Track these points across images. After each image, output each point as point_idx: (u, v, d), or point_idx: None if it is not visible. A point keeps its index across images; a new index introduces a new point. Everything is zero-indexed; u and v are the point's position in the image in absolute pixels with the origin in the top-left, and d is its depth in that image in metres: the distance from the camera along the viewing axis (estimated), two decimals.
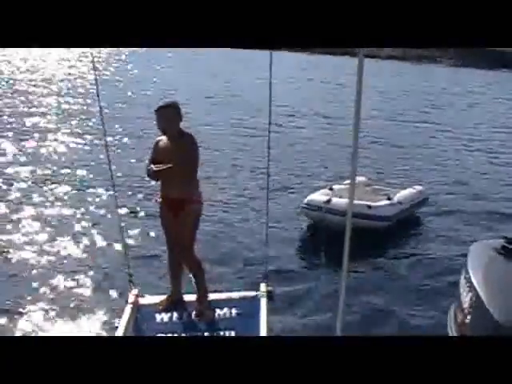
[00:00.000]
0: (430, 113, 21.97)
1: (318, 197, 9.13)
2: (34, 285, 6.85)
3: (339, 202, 8.70)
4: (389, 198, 9.46)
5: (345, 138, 13.83)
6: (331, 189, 9.54)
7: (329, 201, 8.78)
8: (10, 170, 11.36)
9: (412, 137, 17.50)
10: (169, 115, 4.76)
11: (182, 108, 4.83)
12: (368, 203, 9.03)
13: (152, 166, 4.70)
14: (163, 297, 5.23)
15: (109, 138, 13.69)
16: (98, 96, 5.41)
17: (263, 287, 5.28)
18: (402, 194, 9.84)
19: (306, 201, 9.11)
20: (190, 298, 5.27)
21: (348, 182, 10.05)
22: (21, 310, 6.28)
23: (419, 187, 10.48)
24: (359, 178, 10.44)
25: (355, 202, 8.69)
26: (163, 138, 4.89)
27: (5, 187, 10.34)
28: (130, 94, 21.42)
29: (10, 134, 14.39)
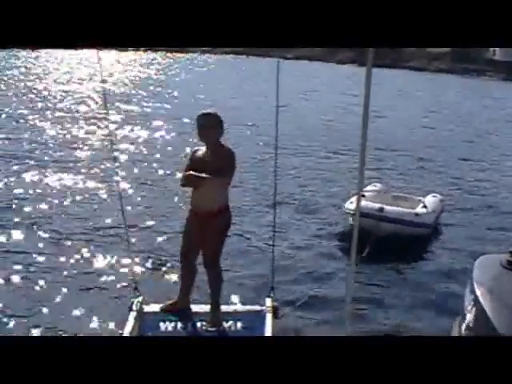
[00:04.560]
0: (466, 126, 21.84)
1: (364, 204, 9.18)
2: (39, 289, 6.87)
3: (392, 210, 9.23)
4: (424, 206, 9.71)
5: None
6: (363, 195, 9.64)
7: (381, 209, 9.10)
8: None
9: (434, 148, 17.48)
10: (210, 123, 4.77)
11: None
12: (415, 211, 9.41)
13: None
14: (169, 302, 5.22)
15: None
16: (105, 107, 5.49)
17: (269, 302, 5.25)
18: (431, 202, 10.08)
19: (353, 208, 9.12)
20: (196, 308, 5.25)
21: (372, 188, 10.45)
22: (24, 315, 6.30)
23: (438, 195, 10.65)
24: (377, 185, 10.62)
25: (403, 209, 9.36)
26: (202, 148, 4.90)
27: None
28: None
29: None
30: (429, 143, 18.05)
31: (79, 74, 28.50)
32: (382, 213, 9.04)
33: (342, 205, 9.68)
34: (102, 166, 12.10)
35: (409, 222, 9.13)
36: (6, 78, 25.52)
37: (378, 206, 9.18)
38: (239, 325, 5.00)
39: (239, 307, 5.34)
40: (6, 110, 18.27)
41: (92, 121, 17.18)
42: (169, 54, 42.35)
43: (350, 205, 9.18)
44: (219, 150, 4.77)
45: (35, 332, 5.89)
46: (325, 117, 21.14)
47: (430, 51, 43.98)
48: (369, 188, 10.45)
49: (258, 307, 5.25)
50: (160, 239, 8.42)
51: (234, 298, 6.59)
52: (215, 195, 4.75)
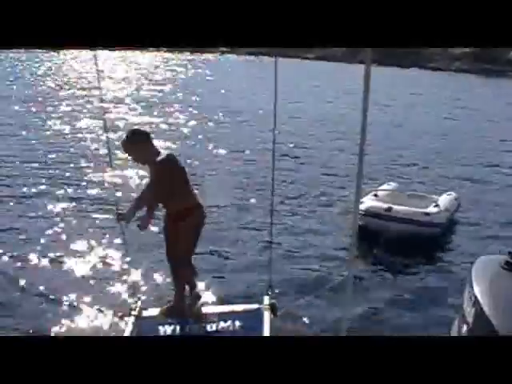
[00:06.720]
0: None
1: (373, 203, 9.27)
2: (36, 292, 6.87)
3: (401, 209, 9.12)
4: (437, 205, 9.58)
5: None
6: (376, 195, 9.73)
7: (390, 208, 9.05)
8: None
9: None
10: (128, 149, 4.77)
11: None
12: (425, 210, 9.27)
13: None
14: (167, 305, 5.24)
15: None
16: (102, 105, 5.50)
17: (266, 300, 5.25)
18: (444, 201, 9.95)
19: (362, 207, 9.09)
20: None
21: (385, 187, 10.42)
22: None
23: (454, 194, 10.52)
24: (392, 184, 10.68)
25: (414, 209, 9.23)
26: None
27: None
28: None
29: None
30: (449, 143, 17.96)
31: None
32: (389, 212, 8.97)
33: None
34: (101, 168, 12.05)
35: (418, 222, 9.00)
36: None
37: (386, 205, 9.12)
38: (237, 324, 5.00)
39: (237, 306, 5.33)
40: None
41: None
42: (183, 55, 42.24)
43: (360, 205, 8.99)
44: (153, 165, 4.74)
45: (32, 333, 5.88)
46: (340, 115, 21.02)
47: (452, 52, 43.82)
48: (383, 187, 10.41)
49: (255, 305, 5.25)
50: (159, 243, 8.35)
51: (232, 297, 6.55)
52: (176, 200, 4.79)
